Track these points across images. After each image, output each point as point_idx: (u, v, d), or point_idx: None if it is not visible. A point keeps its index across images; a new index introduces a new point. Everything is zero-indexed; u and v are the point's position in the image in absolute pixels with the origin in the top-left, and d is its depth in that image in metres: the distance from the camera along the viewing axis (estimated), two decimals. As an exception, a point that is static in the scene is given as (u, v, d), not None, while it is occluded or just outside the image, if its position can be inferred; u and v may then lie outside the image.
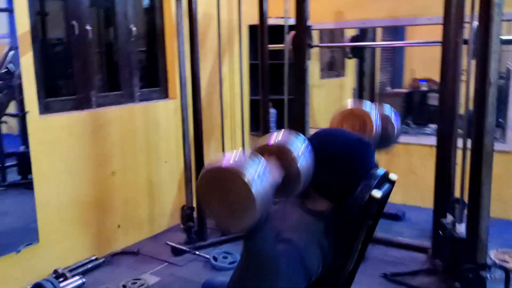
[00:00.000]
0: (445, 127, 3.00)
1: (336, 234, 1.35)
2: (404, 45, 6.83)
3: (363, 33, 4.68)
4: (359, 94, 5.07)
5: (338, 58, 5.92)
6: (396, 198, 4.49)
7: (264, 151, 1.22)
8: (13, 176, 2.99)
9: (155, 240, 3.70)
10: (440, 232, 2.95)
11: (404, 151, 4.37)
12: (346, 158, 1.34)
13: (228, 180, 1.04)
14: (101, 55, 3.61)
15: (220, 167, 1.05)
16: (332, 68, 6.02)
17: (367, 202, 1.28)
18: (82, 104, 3.26)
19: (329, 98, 5.72)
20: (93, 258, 3.27)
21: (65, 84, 3.36)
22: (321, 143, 1.37)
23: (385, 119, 1.78)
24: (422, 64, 6.52)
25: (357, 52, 4.88)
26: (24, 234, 2.95)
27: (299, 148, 1.21)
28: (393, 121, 1.80)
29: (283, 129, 1.30)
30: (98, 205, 3.36)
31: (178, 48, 3.51)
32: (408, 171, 4.35)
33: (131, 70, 3.59)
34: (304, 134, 3.37)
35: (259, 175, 1.03)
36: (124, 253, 3.46)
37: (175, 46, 3.62)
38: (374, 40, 4.92)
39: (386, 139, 1.79)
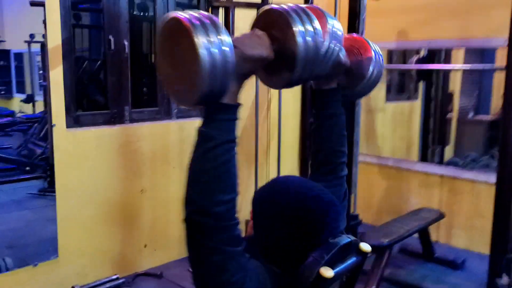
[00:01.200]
0: (508, 164, 2.53)
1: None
2: (464, 68, 5.91)
3: (431, 55, 4.22)
4: (425, 120, 4.58)
5: (409, 80, 5.44)
6: (458, 241, 3.94)
7: (265, 22, 1.00)
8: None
9: (182, 263, 3.54)
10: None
11: (470, 189, 3.83)
12: (294, 215, 1.03)
13: (179, 36, 0.88)
14: (138, 70, 3.56)
15: (174, 17, 0.90)
16: (403, 91, 5.54)
17: (315, 280, 0.98)
18: (114, 119, 3.21)
19: (396, 123, 5.25)
20: (114, 277, 3.18)
21: (98, 98, 3.34)
22: (270, 191, 1.09)
23: (355, 46, 1.24)
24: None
25: (424, 75, 4.43)
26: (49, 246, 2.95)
27: (304, 24, 0.95)
28: (373, 57, 1.22)
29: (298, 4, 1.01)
30: (125, 222, 3.27)
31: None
32: (474, 213, 3.80)
33: (169, 86, 3.49)
34: (351, 160, 3.05)
35: (216, 37, 0.86)
36: (147, 274, 3.34)
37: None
38: (446, 62, 4.43)
39: (352, 78, 1.24)
